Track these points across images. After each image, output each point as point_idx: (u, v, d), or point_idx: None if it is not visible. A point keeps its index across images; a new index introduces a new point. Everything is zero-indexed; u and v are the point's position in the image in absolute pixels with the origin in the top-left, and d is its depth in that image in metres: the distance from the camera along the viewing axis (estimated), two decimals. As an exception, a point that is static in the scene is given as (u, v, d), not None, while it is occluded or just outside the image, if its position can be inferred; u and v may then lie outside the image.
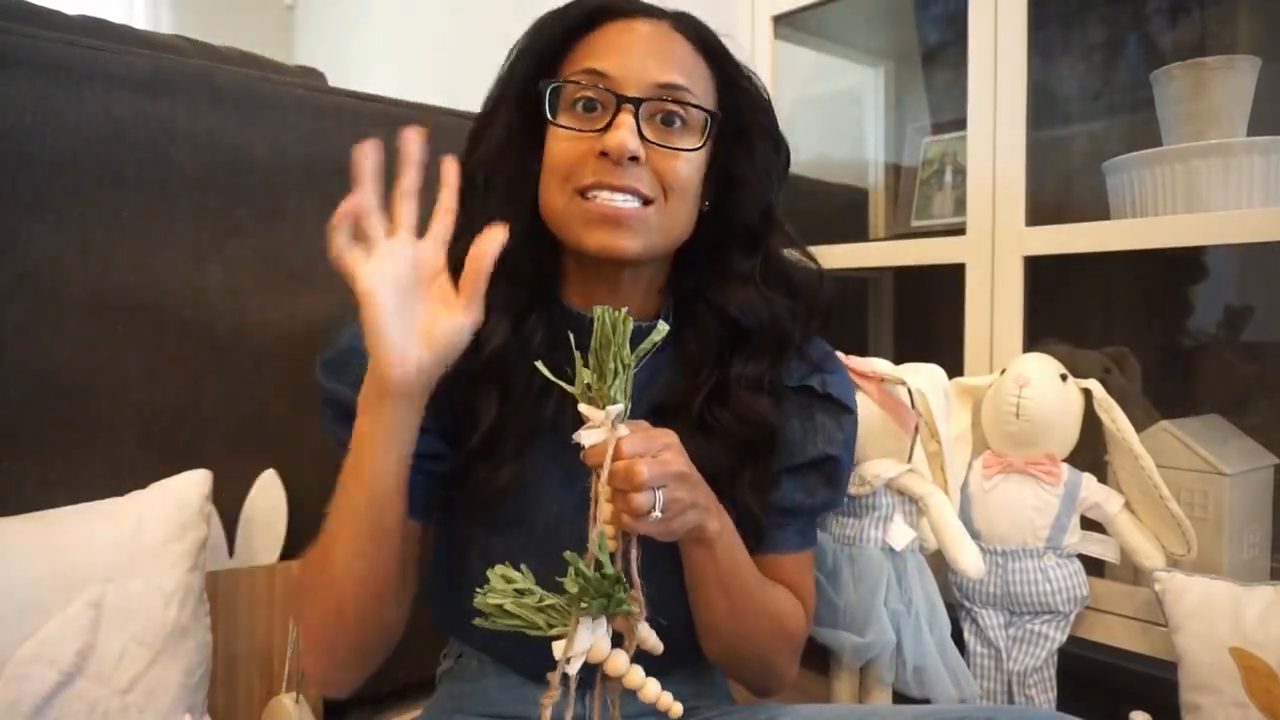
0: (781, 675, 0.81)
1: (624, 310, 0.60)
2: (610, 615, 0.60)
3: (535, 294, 0.76)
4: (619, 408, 0.60)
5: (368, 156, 0.60)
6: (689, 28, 0.74)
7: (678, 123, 0.71)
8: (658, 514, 0.61)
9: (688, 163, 0.72)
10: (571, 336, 0.66)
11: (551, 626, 0.58)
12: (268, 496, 1.08)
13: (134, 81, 0.99)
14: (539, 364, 0.63)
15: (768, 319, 0.77)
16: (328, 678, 0.75)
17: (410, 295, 0.62)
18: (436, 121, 1.22)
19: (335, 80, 1.37)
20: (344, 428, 0.74)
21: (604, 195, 0.69)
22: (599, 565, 0.58)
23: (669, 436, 0.65)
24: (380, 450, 0.65)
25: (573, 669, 0.59)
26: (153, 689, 0.86)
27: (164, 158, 1.01)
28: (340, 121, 1.15)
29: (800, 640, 0.81)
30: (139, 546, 0.89)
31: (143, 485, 0.96)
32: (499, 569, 0.58)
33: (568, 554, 0.57)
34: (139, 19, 3.12)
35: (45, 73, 0.93)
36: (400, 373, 0.61)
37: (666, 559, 0.72)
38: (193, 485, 0.96)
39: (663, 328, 0.61)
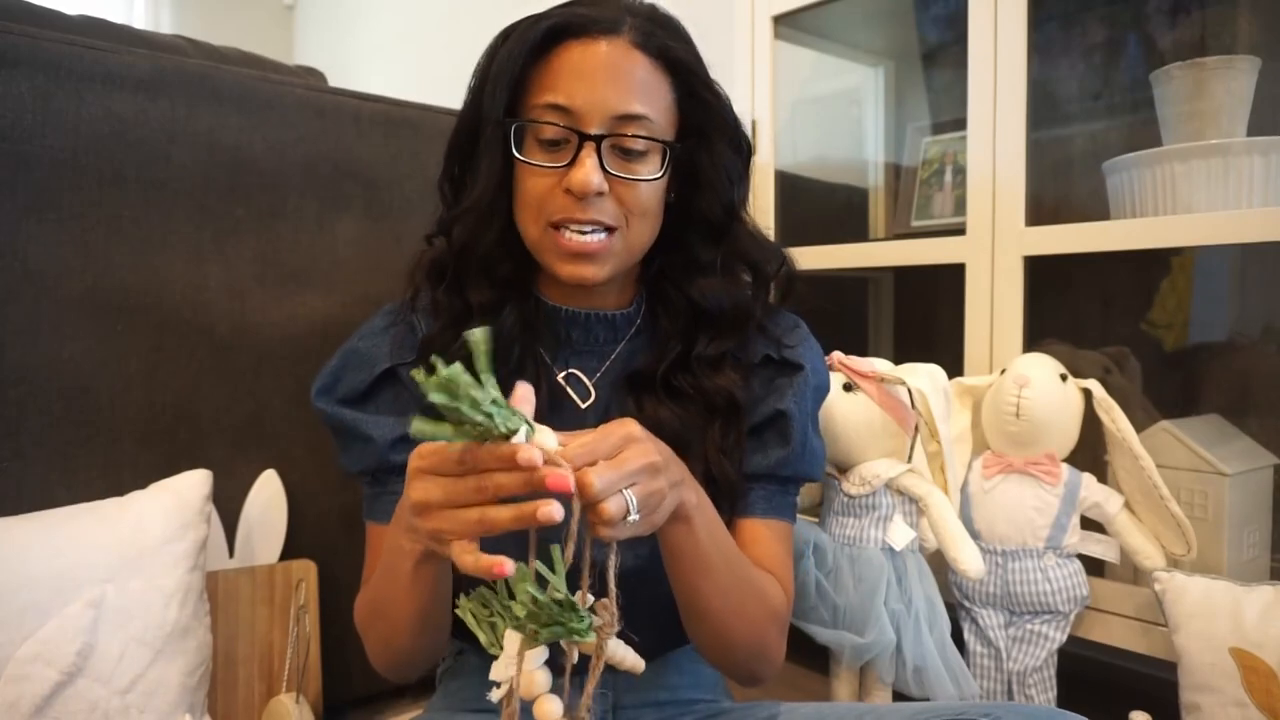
0: (772, 658, 0.79)
1: (456, 365, 0.48)
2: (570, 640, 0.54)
3: (510, 289, 0.79)
4: (521, 432, 0.51)
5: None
6: (649, 41, 0.74)
7: (637, 153, 0.74)
8: (634, 517, 0.56)
9: (649, 188, 0.75)
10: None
11: (492, 645, 0.53)
12: (268, 496, 1.08)
13: (134, 81, 0.99)
14: (416, 373, 0.49)
15: (729, 304, 0.80)
16: (397, 678, 0.80)
17: None
18: (436, 121, 1.24)
19: (335, 80, 1.37)
20: (352, 456, 0.80)
21: (573, 227, 0.72)
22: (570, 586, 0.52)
23: (624, 427, 0.59)
24: (421, 569, 0.66)
25: (494, 697, 0.54)
26: (153, 689, 0.86)
27: (164, 158, 1.01)
28: (340, 121, 1.15)
29: (785, 617, 0.80)
30: (139, 546, 0.89)
31: (143, 485, 0.96)
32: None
33: (510, 572, 0.50)
34: (139, 19, 3.12)
35: (45, 73, 0.93)
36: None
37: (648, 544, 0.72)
38: (193, 485, 0.96)
39: (478, 335, 0.49)
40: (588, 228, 0.72)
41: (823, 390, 0.87)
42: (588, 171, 0.70)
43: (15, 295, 0.92)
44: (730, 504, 0.79)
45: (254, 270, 1.08)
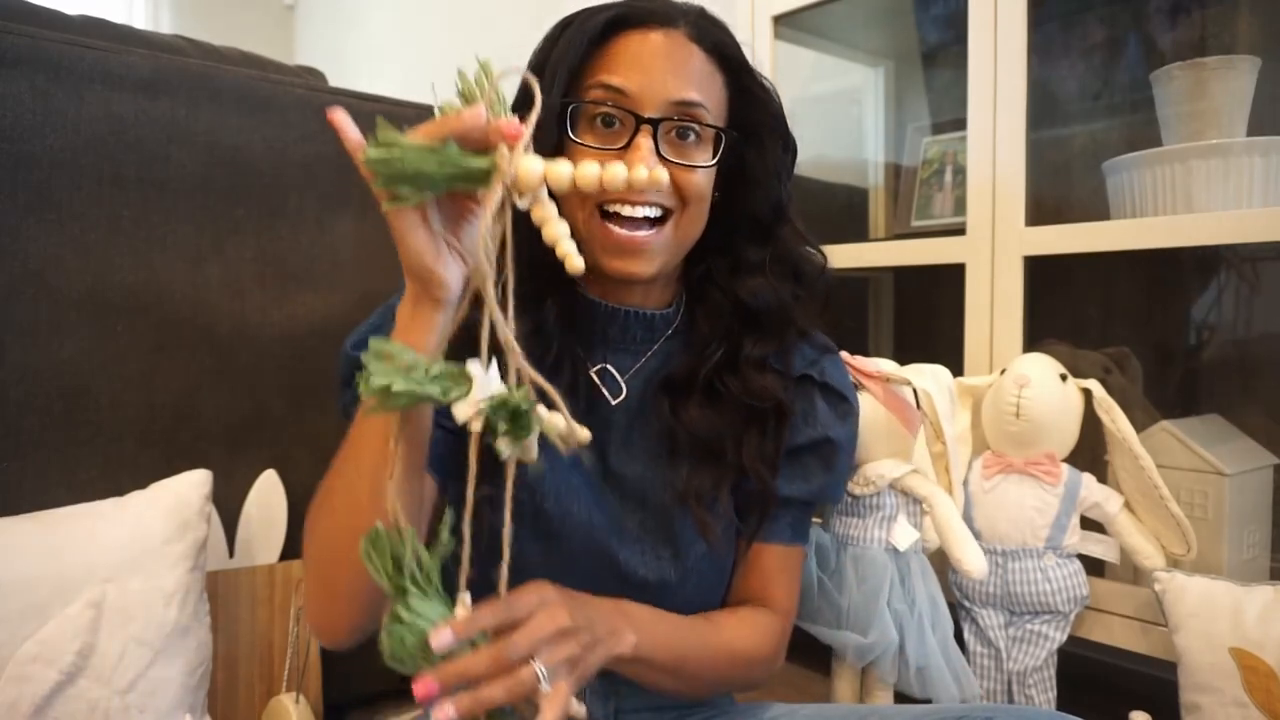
0: (759, 682, 0.83)
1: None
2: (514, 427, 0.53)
3: (551, 282, 0.75)
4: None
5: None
6: (704, 36, 0.76)
7: (692, 137, 0.74)
8: (545, 687, 0.55)
9: (702, 175, 0.75)
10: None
11: (448, 393, 0.53)
12: (268, 496, 1.08)
13: (134, 81, 0.99)
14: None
15: (775, 305, 0.80)
16: (323, 623, 0.70)
17: (433, 208, 0.58)
18: (437, 121, 1.24)
19: (335, 80, 1.37)
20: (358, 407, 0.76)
21: (625, 210, 0.71)
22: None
23: (537, 593, 0.60)
24: (419, 341, 0.60)
25: (477, 426, 0.53)
26: (153, 689, 0.86)
27: (164, 158, 1.01)
28: (340, 121, 1.15)
29: (772, 653, 0.82)
30: (139, 546, 0.89)
31: (143, 485, 0.96)
32: (375, 343, 0.52)
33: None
34: (139, 19, 3.12)
35: (45, 73, 0.93)
36: (442, 274, 0.58)
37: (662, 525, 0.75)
38: (193, 485, 0.96)
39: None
40: (640, 210, 0.71)
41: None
42: (643, 154, 0.70)
43: (15, 295, 0.92)
44: (760, 518, 0.79)
45: (254, 270, 1.08)
